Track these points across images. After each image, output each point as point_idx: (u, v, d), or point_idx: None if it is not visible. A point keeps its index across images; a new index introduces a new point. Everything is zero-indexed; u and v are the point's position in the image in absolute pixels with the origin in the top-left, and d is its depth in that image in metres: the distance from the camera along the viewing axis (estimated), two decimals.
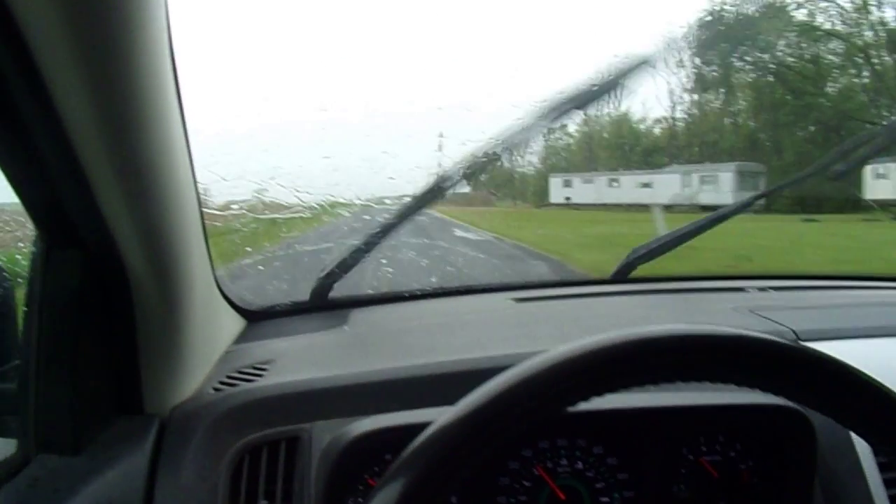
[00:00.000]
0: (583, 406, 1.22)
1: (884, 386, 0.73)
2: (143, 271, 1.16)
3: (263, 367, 1.47)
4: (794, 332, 1.53)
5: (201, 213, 1.34)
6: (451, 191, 1.75)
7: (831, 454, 1.28)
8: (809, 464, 1.26)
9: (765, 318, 1.66)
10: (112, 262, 1.14)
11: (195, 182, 1.27)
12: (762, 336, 0.74)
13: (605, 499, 1.29)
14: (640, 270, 2.26)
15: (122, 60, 0.89)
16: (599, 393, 0.70)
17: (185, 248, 1.22)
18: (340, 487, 1.18)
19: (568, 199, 24.75)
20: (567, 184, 25.70)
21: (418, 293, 2.10)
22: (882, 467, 1.28)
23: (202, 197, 1.34)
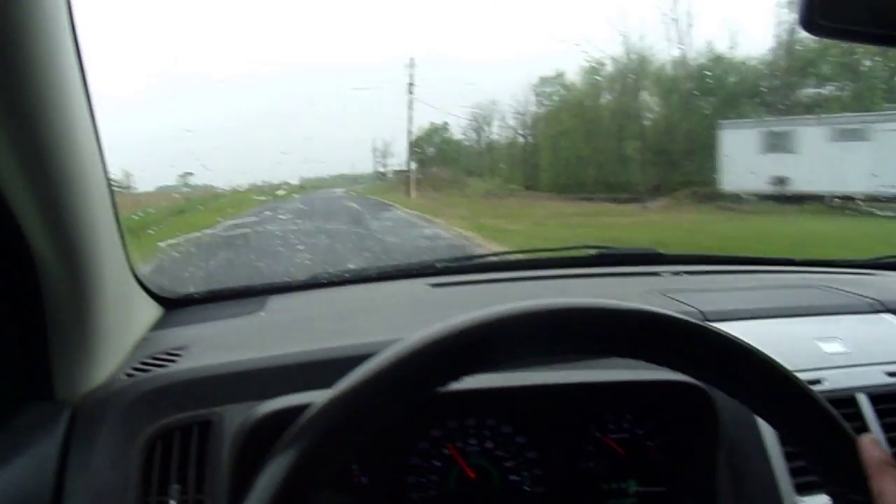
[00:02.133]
0: (490, 383, 1.26)
1: (770, 357, 0.76)
2: (50, 255, 1.14)
3: (177, 352, 1.46)
4: (701, 312, 1.58)
5: (112, 197, 1.32)
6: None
7: (734, 429, 1.33)
8: (713, 439, 1.30)
9: (674, 299, 1.71)
10: (18, 245, 1.12)
11: (104, 165, 1.26)
12: (635, 307, 0.76)
13: (514, 477, 1.32)
14: (557, 254, 2.31)
15: (20, 38, 0.88)
16: (471, 372, 0.71)
17: (94, 233, 1.20)
18: (250, 469, 1.18)
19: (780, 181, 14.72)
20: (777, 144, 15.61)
21: (336, 279, 2.11)
22: (783, 441, 1.33)
23: (113, 183, 1.33)
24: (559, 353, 0.76)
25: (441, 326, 0.71)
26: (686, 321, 0.76)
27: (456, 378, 0.71)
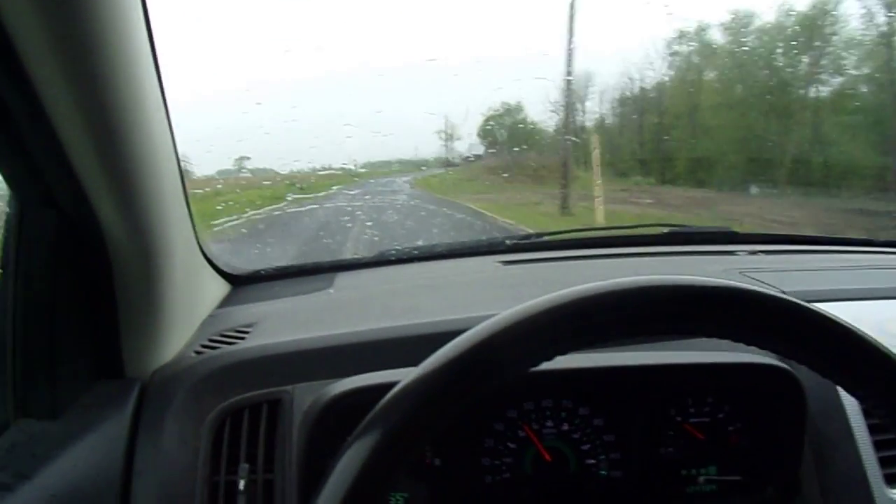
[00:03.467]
0: (567, 365, 1.22)
1: (871, 339, 0.72)
2: (121, 234, 1.14)
3: (246, 329, 1.46)
4: (782, 293, 1.53)
5: (181, 175, 1.32)
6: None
7: (821, 416, 1.28)
8: (799, 425, 1.25)
9: (753, 279, 1.65)
10: (89, 223, 1.13)
11: (174, 143, 1.26)
12: (747, 287, 0.72)
13: (591, 461, 1.28)
14: (629, 232, 2.25)
15: (94, 15, 0.87)
16: (567, 350, 0.68)
17: (164, 210, 1.20)
18: (321, 448, 1.17)
19: None
20: None
21: (404, 257, 2.09)
22: (872, 429, 1.28)
23: (183, 162, 1.32)
24: (652, 334, 0.72)
25: (534, 303, 0.68)
26: (789, 300, 0.72)
27: (549, 357, 0.68)
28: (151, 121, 1.10)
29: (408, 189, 14.03)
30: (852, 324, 0.72)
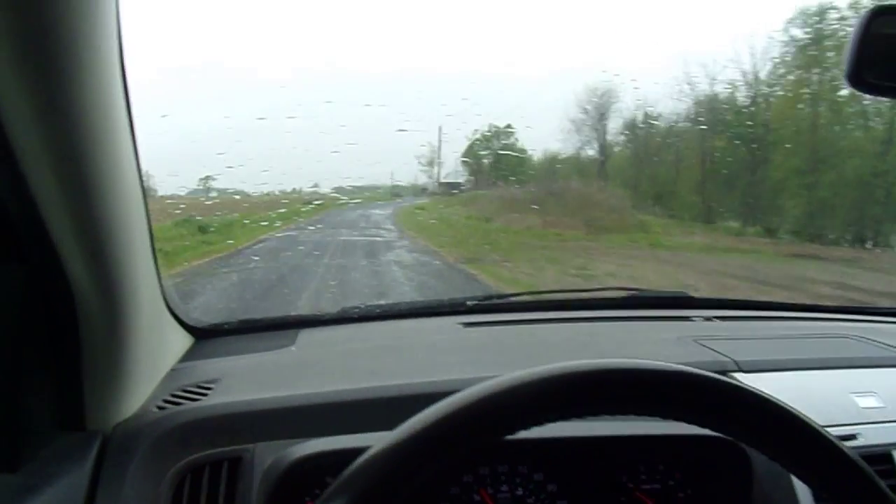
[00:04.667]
0: (522, 434, 1.25)
1: (804, 416, 0.76)
2: (88, 287, 1.15)
3: (209, 385, 1.46)
4: (735, 362, 1.57)
5: (150, 229, 1.33)
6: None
7: (767, 482, 1.31)
8: (745, 492, 1.28)
9: (708, 347, 1.69)
10: (56, 276, 1.13)
11: (144, 198, 1.27)
12: (694, 372, 0.75)
13: None
14: (588, 295, 2.29)
15: (66, 66, 0.89)
16: (531, 425, 0.71)
17: (132, 263, 1.21)
18: None
19: None
20: None
21: (366, 314, 2.11)
22: (817, 497, 1.31)
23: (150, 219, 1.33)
24: (597, 414, 0.75)
25: (502, 380, 0.71)
26: (721, 381, 0.76)
27: (518, 430, 0.71)
28: (124, 178, 1.12)
29: (392, 229, 12.15)
30: (785, 402, 0.76)
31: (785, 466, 0.79)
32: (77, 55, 0.89)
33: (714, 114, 14.94)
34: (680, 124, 15.32)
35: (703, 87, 14.46)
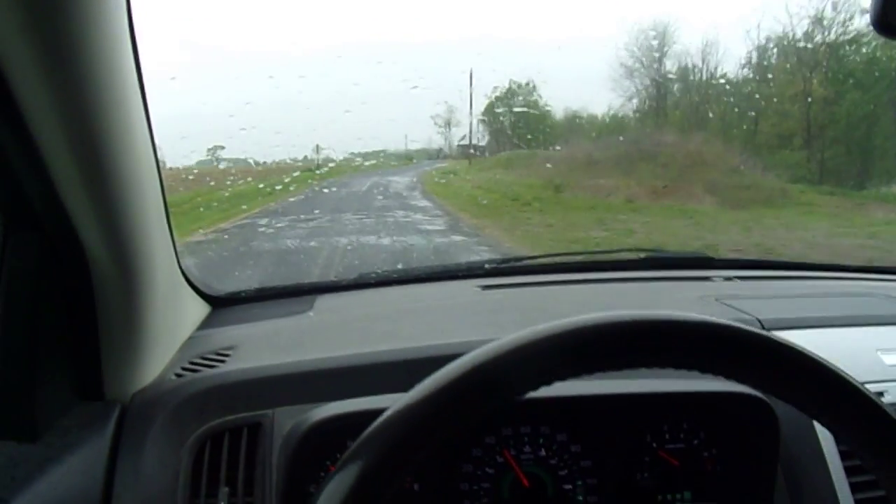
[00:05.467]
0: (545, 392, 1.23)
1: (844, 373, 0.74)
2: (104, 256, 1.15)
3: (226, 352, 1.46)
4: (758, 320, 1.55)
5: (164, 199, 1.32)
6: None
7: (794, 442, 1.30)
8: (772, 451, 1.27)
9: (730, 306, 1.67)
10: (72, 246, 1.13)
11: (158, 167, 1.26)
12: (724, 322, 0.73)
13: (568, 486, 1.30)
14: (607, 257, 2.27)
15: (77, 38, 0.88)
16: (553, 381, 0.69)
17: (147, 233, 1.20)
18: (301, 474, 1.18)
19: None
20: None
21: (384, 279, 2.10)
22: (844, 455, 1.30)
23: (164, 181, 1.32)
24: (628, 367, 0.73)
25: (521, 334, 0.69)
26: (757, 334, 0.73)
27: (540, 385, 0.69)
28: (136, 146, 1.11)
29: (429, 207, 10.16)
30: (821, 356, 0.74)
31: (821, 422, 0.77)
32: (86, 20, 0.88)
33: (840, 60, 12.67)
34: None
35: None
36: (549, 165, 12.53)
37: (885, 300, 1.85)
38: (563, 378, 0.70)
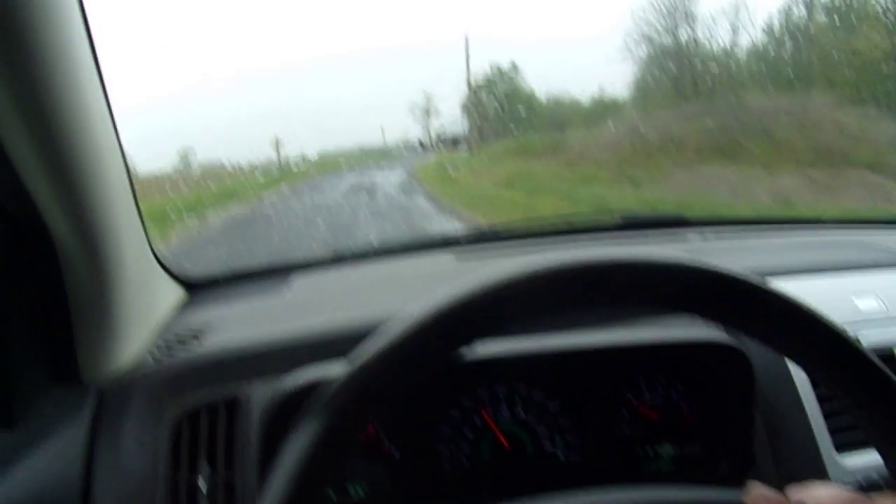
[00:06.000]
0: (520, 349, 1.24)
1: (823, 314, 0.74)
2: (71, 241, 1.14)
3: (201, 332, 1.46)
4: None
5: (130, 180, 1.32)
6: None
7: (771, 389, 1.31)
8: (749, 400, 1.28)
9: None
10: (38, 231, 1.13)
11: (120, 146, 1.26)
12: (703, 264, 0.73)
13: (548, 444, 1.30)
14: (583, 222, 2.28)
15: (28, 9, 0.87)
16: (500, 326, 0.69)
17: (114, 215, 1.20)
18: (278, 444, 1.18)
19: None
20: None
21: (359, 254, 2.09)
22: (821, 399, 1.32)
23: (130, 165, 1.32)
24: (600, 307, 0.73)
25: (460, 286, 0.69)
26: (739, 277, 0.73)
27: (476, 338, 0.68)
28: (96, 124, 1.10)
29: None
30: (798, 297, 0.74)
31: (801, 364, 0.77)
32: (43, 13, 0.88)
33: None
34: None
35: None
36: (607, 149, 10.69)
37: (859, 248, 1.87)
38: (528, 318, 0.69)
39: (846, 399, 0.74)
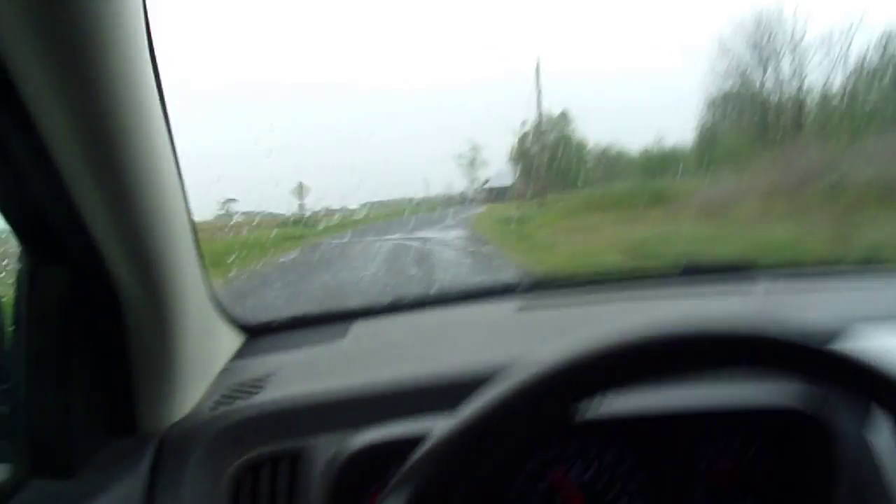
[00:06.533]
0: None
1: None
2: (133, 287, 1.14)
3: (261, 382, 1.44)
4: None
5: (193, 227, 1.31)
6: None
7: (854, 464, 1.25)
8: (828, 472, 1.23)
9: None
10: (100, 278, 1.12)
11: (185, 196, 1.25)
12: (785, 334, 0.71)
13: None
14: (646, 271, 2.23)
15: (99, 65, 0.87)
16: (602, 392, 0.66)
17: (176, 262, 1.19)
18: (343, 502, 1.15)
19: None
20: None
21: (419, 301, 2.07)
22: None
23: (193, 216, 1.31)
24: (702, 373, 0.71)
25: (565, 346, 0.66)
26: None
27: (591, 398, 0.66)
28: (162, 173, 1.10)
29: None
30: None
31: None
32: (107, 55, 0.88)
33: None
34: None
35: None
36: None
37: None
38: (610, 392, 0.67)
39: None
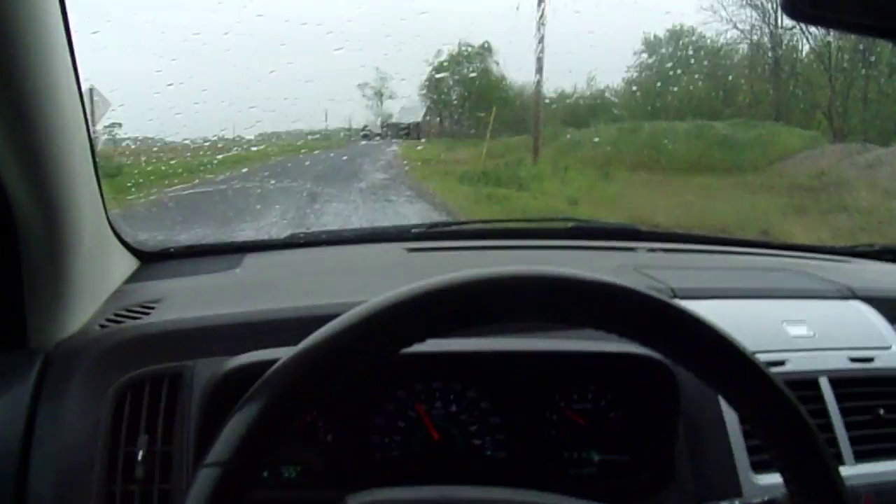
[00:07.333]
0: (457, 348, 1.27)
1: (735, 340, 0.77)
2: (28, 205, 1.15)
3: (151, 305, 1.47)
4: (671, 289, 1.60)
5: (91, 146, 1.32)
6: None
7: (695, 405, 1.34)
8: (673, 414, 1.32)
9: (645, 275, 1.72)
10: None
11: (85, 115, 1.26)
12: (608, 280, 0.77)
13: (477, 441, 1.34)
14: (536, 225, 2.31)
15: None
16: (434, 335, 0.73)
17: (73, 182, 1.21)
18: (217, 421, 1.20)
19: None
20: None
21: (312, 240, 2.12)
22: (743, 419, 1.36)
23: (93, 134, 1.32)
24: (524, 321, 0.77)
25: (408, 288, 0.73)
26: (652, 297, 0.77)
27: (419, 339, 0.73)
28: (59, 88, 1.11)
29: None
30: (718, 323, 0.77)
31: (711, 385, 0.80)
32: None
33: None
34: None
35: None
36: None
37: (798, 275, 1.91)
38: (445, 334, 0.73)
39: (752, 423, 0.78)
